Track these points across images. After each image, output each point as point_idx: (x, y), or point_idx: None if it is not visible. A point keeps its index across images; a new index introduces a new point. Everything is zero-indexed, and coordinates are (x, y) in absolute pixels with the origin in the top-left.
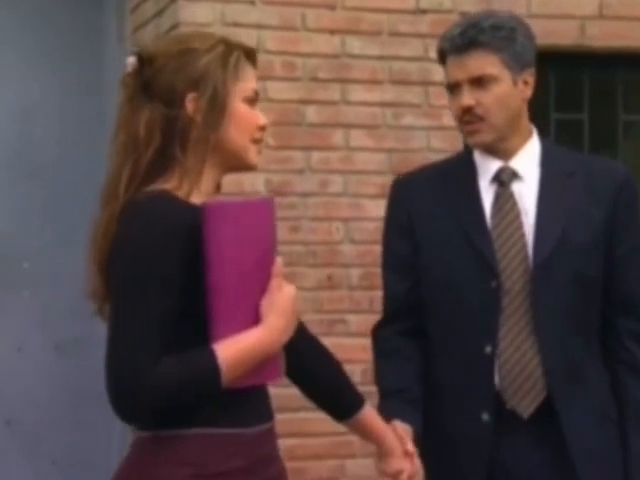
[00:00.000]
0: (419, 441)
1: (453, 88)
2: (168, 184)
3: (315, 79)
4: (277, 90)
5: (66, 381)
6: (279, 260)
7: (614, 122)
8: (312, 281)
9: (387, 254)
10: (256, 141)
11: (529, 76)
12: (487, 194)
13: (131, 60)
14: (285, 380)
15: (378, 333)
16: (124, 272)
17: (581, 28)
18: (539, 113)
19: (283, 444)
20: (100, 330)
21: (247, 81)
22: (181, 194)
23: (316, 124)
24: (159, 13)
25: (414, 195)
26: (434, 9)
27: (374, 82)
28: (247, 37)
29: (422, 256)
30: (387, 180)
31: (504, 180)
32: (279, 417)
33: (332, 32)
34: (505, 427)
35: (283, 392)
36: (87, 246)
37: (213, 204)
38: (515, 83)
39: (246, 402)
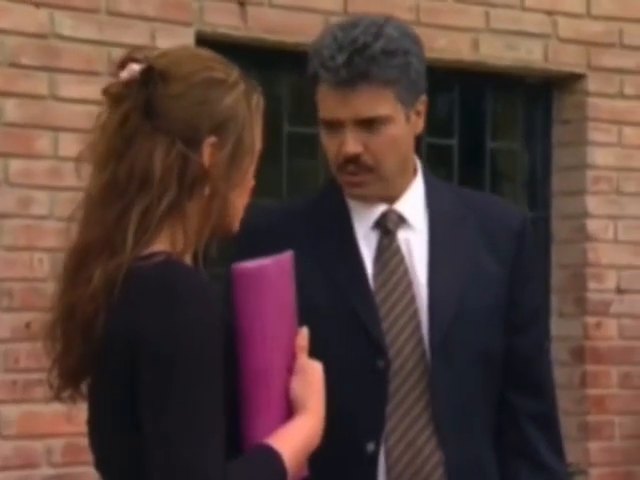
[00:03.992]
0: None
1: (331, 125)
2: (164, 244)
3: (16, 65)
4: None
5: None
6: (305, 330)
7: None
8: (5, 330)
9: None
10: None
11: (421, 105)
12: (367, 245)
13: (134, 68)
14: None
15: None
16: (182, 369)
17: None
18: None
19: None
20: None
21: (260, 132)
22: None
23: (16, 124)
24: None
25: (274, 247)
26: None
27: (90, 73)
28: None
29: None
30: None
31: (390, 228)
32: None
33: (37, 5)
34: None
35: None
36: (57, 300)
37: (247, 268)
38: (408, 119)
39: None
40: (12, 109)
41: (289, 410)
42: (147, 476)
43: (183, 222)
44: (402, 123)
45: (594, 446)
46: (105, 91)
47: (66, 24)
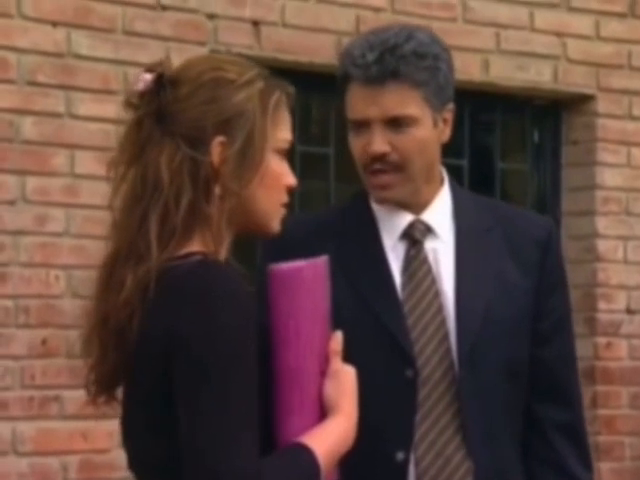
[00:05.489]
0: None
1: (359, 125)
2: (198, 246)
3: (33, 83)
4: None
5: None
6: (339, 335)
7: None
8: (21, 346)
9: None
10: (284, 206)
11: (448, 112)
12: (395, 255)
13: (146, 77)
14: None
15: None
16: (216, 369)
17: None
18: None
19: None
20: None
21: (284, 130)
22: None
23: (33, 141)
24: None
25: (306, 257)
26: (177, 6)
27: (106, 91)
28: None
29: None
30: None
31: (417, 237)
32: None
33: (55, 24)
34: None
35: None
36: (92, 310)
37: (284, 269)
38: (435, 123)
39: None
40: (29, 127)
41: (322, 412)
42: (182, 475)
43: (208, 224)
44: (429, 127)
45: (604, 467)
46: (126, 103)
47: (83, 43)
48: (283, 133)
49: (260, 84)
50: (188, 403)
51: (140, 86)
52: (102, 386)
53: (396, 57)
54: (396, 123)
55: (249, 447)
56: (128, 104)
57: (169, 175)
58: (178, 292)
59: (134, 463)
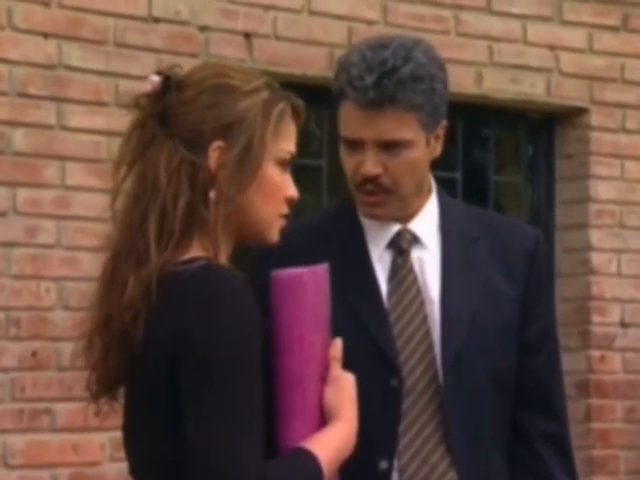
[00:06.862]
0: None
1: (352, 144)
2: (199, 250)
3: (24, 95)
4: None
5: None
6: (338, 341)
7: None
8: (12, 359)
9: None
10: (283, 217)
11: (441, 129)
12: (381, 264)
13: (154, 79)
14: None
15: None
16: (221, 372)
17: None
18: None
19: None
20: None
21: (287, 141)
22: None
23: (24, 153)
24: None
25: (298, 264)
26: (168, 18)
27: (97, 103)
28: None
29: None
30: None
31: (404, 247)
32: None
33: (46, 35)
34: None
35: None
36: (94, 312)
37: (286, 275)
38: (428, 143)
39: None
40: (20, 139)
41: (322, 418)
42: (187, 477)
43: (206, 228)
44: (422, 147)
45: None
46: (133, 104)
47: (74, 55)
48: (285, 144)
49: (265, 93)
50: (193, 406)
51: (147, 87)
52: (104, 386)
53: (394, 82)
54: (390, 146)
55: (254, 449)
56: (135, 105)
57: (167, 176)
58: (182, 296)
59: (137, 468)
